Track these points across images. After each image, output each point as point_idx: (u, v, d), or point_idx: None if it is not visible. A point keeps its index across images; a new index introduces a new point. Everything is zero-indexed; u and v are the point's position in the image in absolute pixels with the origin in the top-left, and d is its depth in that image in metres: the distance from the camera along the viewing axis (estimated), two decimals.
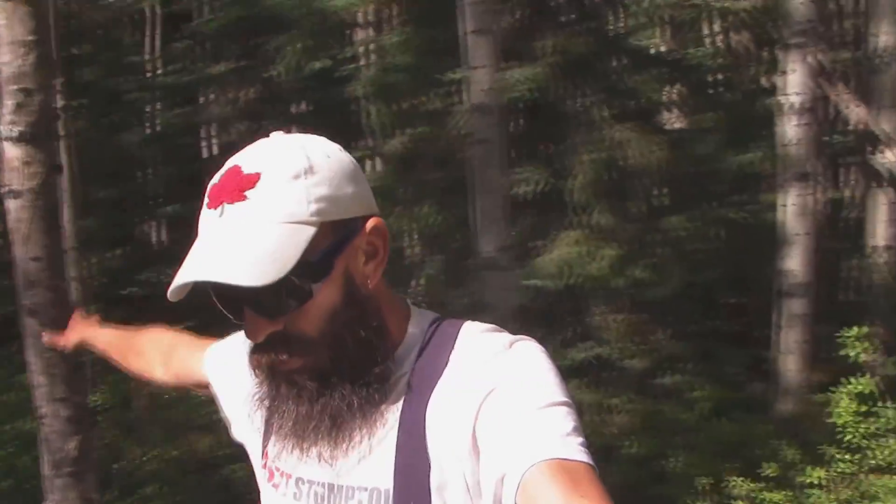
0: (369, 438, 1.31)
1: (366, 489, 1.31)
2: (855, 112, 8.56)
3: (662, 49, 11.36)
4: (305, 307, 1.28)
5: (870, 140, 8.34)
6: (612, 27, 9.99)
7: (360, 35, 15.40)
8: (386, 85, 9.67)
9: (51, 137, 3.49)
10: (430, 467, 1.26)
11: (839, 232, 10.75)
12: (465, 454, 1.23)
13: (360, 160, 9.69)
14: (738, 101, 10.90)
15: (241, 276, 1.21)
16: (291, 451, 1.36)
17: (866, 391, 5.98)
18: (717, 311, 9.72)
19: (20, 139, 3.23)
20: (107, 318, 2.44)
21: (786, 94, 6.77)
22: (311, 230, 1.27)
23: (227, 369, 1.64)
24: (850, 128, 9.55)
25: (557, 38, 8.33)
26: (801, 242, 6.87)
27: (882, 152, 8.13)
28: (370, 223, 1.35)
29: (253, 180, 1.27)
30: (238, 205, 1.26)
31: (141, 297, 11.04)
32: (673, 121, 10.85)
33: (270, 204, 1.26)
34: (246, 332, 1.29)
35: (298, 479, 1.40)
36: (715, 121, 10.44)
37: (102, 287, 11.91)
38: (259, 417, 1.47)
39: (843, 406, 6.04)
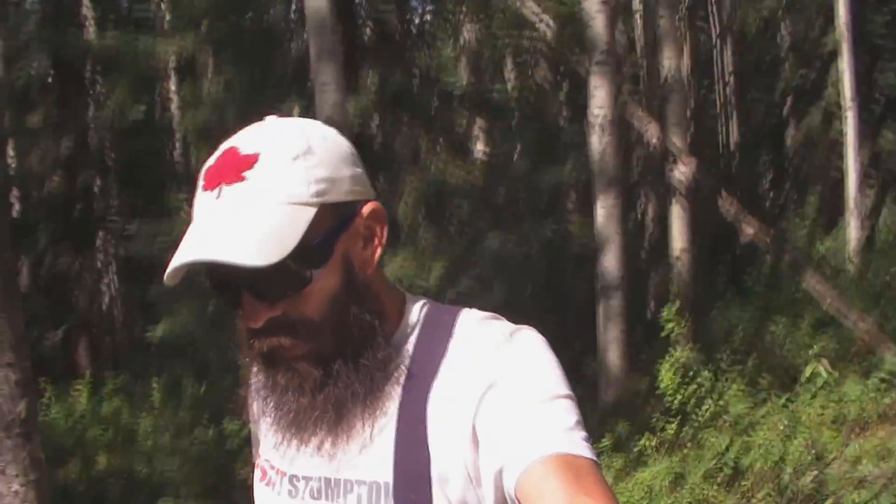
0: (370, 429, 1.26)
1: (365, 482, 1.26)
2: (650, 130, 9.49)
3: (466, 85, 12.19)
4: (306, 291, 1.24)
5: (665, 156, 9.25)
6: (423, 66, 10.70)
7: (172, 82, 15.80)
8: (207, 127, 10.01)
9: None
10: (429, 459, 1.22)
11: (651, 241, 11.62)
12: (466, 446, 1.19)
13: (176, 210, 10.04)
14: (546, 126, 11.68)
15: (243, 255, 1.18)
16: (288, 446, 1.32)
17: (683, 360, 6.76)
18: (537, 318, 10.41)
19: None
20: None
21: (592, 113, 7.53)
22: (312, 211, 1.24)
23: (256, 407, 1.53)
24: (648, 145, 10.51)
25: (375, 74, 9.02)
26: (614, 242, 7.56)
27: (675, 167, 9.04)
28: (368, 207, 1.31)
29: (251, 161, 1.25)
30: (236, 185, 1.22)
31: None
32: (484, 149, 11.67)
33: (270, 184, 1.24)
34: (244, 319, 1.24)
35: (293, 477, 1.34)
36: (523, 146, 11.28)
37: None
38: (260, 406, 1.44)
39: (666, 378, 6.78)
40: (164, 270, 1.20)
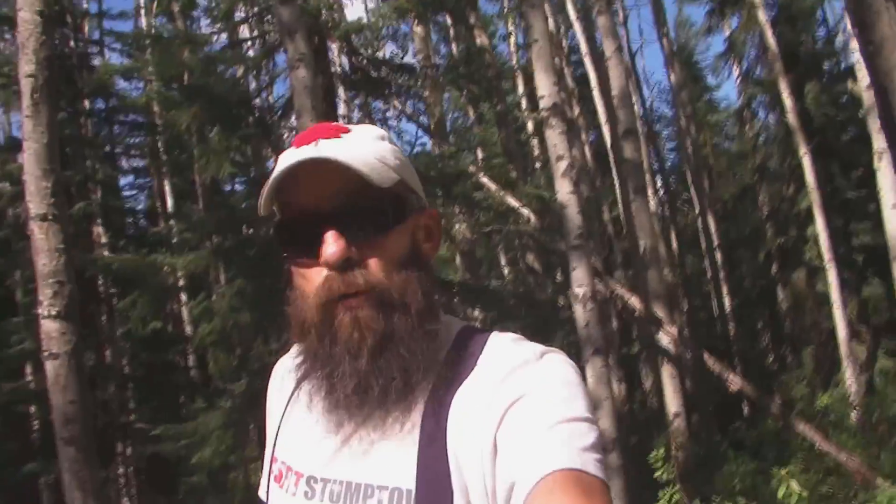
0: (399, 428, 1.29)
1: (386, 488, 1.26)
2: (633, 301, 10.11)
3: (460, 278, 12.88)
4: (382, 240, 1.32)
5: (653, 323, 9.83)
6: None
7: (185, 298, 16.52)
8: (225, 332, 10.61)
9: (76, 316, 4.52)
10: (450, 469, 1.24)
11: (646, 404, 12.04)
12: (487, 458, 1.21)
13: (192, 415, 10.50)
14: (539, 304, 12.28)
15: (362, 168, 1.27)
16: (327, 432, 1.35)
17: (675, 499, 7.26)
18: None
19: (57, 317, 4.29)
20: None
21: (574, 289, 8.13)
22: (396, 176, 1.33)
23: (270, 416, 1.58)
24: (634, 315, 11.09)
25: None
26: (606, 404, 8.04)
27: (661, 333, 9.62)
28: (432, 211, 1.44)
29: (345, 130, 1.37)
30: (333, 140, 1.33)
31: None
32: None
33: (365, 143, 1.34)
34: (324, 255, 1.27)
35: (311, 478, 1.35)
36: (519, 326, 11.87)
37: None
38: (278, 416, 1.51)
39: None
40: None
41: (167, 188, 18.78)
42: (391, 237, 1.32)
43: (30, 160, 4.51)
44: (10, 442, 11.63)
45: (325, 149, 1.28)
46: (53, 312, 4.39)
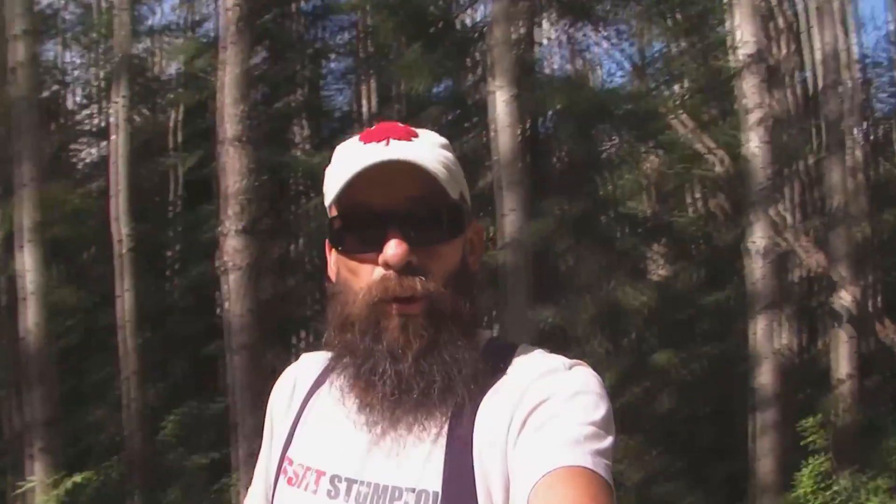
0: (432, 431, 1.30)
1: (413, 490, 1.27)
2: (815, 259, 9.98)
3: (648, 212, 12.88)
4: (441, 251, 1.33)
5: (829, 284, 9.67)
6: (604, 192, 11.46)
7: None
8: None
9: (257, 231, 4.93)
10: (475, 473, 1.25)
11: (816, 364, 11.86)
12: (509, 461, 1.23)
13: None
14: (717, 252, 12.22)
15: (441, 176, 1.29)
16: (362, 427, 1.34)
17: (822, 469, 7.25)
18: (701, 430, 10.86)
19: (241, 232, 4.74)
20: None
21: (751, 241, 8.13)
22: (459, 188, 1.37)
23: (277, 410, 1.57)
24: (812, 273, 10.93)
25: (559, 200, 9.88)
26: (770, 360, 8.07)
27: (839, 295, 9.46)
28: (477, 224, 1.47)
29: (414, 133, 1.37)
30: (404, 141, 1.33)
31: None
32: (658, 270, 12.33)
33: (433, 150, 1.35)
34: (387, 255, 1.28)
35: (335, 477, 1.36)
36: (693, 271, 11.90)
37: None
38: (289, 420, 1.50)
39: (804, 484, 7.27)
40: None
41: (371, 91, 19.24)
42: (449, 247, 1.35)
43: (228, 84, 4.90)
44: (198, 321, 12.49)
45: (402, 150, 1.30)
46: (238, 228, 4.77)
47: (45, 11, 17.04)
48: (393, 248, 1.27)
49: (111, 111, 12.18)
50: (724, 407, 10.74)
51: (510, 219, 6.55)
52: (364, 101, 19.25)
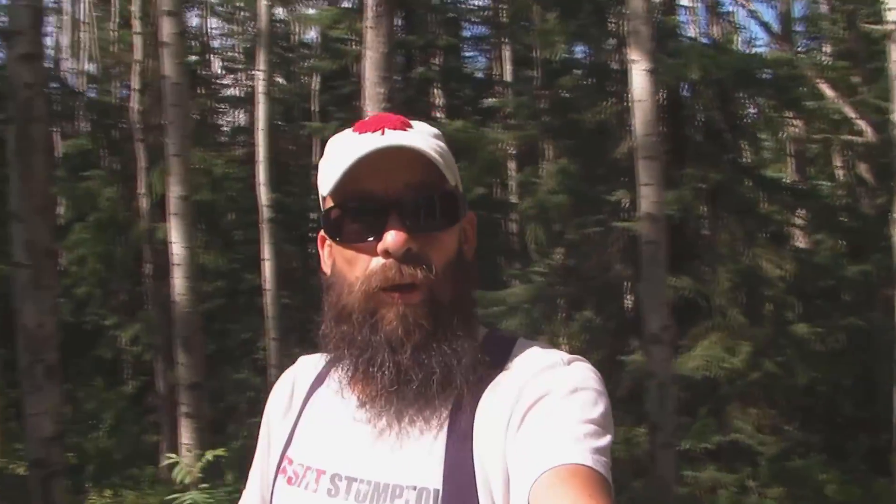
0: (432, 428, 1.30)
1: (414, 488, 1.26)
2: None
3: (789, 180, 12.65)
4: (439, 238, 1.33)
5: None
6: (745, 159, 11.29)
7: (513, 169, 17.14)
8: (545, 208, 11.07)
9: None
10: (475, 468, 1.25)
11: None
12: (509, 456, 1.23)
13: (510, 281, 11.18)
14: (860, 222, 11.91)
15: (439, 163, 1.30)
16: (365, 421, 1.34)
17: None
18: (840, 404, 10.68)
19: None
20: None
21: None
22: (456, 176, 1.37)
23: (275, 412, 1.56)
24: None
25: (698, 168, 9.78)
26: None
27: None
28: (470, 213, 1.46)
29: (408, 123, 1.37)
30: (399, 130, 1.33)
31: None
32: (799, 239, 12.09)
33: (429, 138, 1.35)
34: (387, 243, 1.28)
35: (335, 476, 1.34)
36: (835, 240, 11.62)
37: None
38: (289, 422, 1.49)
39: None
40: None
41: (507, 57, 19.25)
42: (447, 235, 1.34)
43: (368, 67, 5.00)
44: None
45: (399, 138, 1.30)
46: None
47: None
48: (394, 236, 1.27)
49: (257, 79, 12.48)
50: (866, 380, 10.54)
51: (647, 191, 6.54)
52: (499, 67, 19.34)
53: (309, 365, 1.55)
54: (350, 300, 1.32)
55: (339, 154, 1.31)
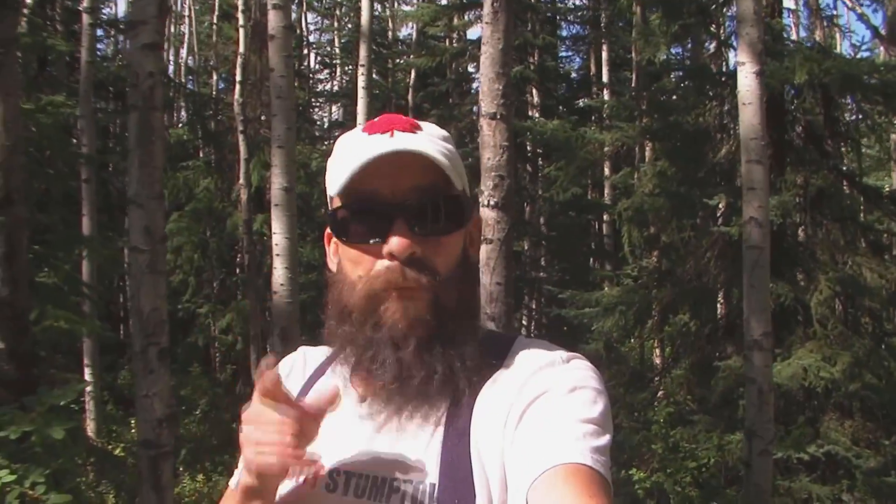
0: (430, 424, 1.31)
1: (411, 482, 1.27)
2: None
3: (891, 188, 12.38)
4: (444, 242, 1.34)
5: None
6: (847, 166, 11.08)
7: (608, 170, 17.07)
8: (642, 210, 10.99)
9: (512, 207, 5.11)
10: (472, 463, 1.25)
11: None
12: (507, 453, 1.23)
13: (601, 282, 11.18)
14: None
15: (448, 169, 1.31)
16: (367, 417, 1.35)
17: None
18: None
19: (495, 206, 4.93)
20: None
21: None
22: (463, 180, 1.38)
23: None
24: None
25: (800, 173, 9.64)
26: None
27: None
28: (477, 217, 1.47)
29: (418, 126, 1.38)
30: (408, 133, 1.33)
31: None
32: None
33: (438, 140, 1.36)
34: (392, 246, 1.28)
35: (334, 471, 1.35)
36: None
37: None
38: None
39: None
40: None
41: (604, 58, 19.20)
42: (452, 238, 1.35)
43: (485, 63, 5.03)
44: None
45: (408, 141, 1.30)
46: (493, 202, 4.93)
47: None
48: (398, 239, 1.27)
49: (358, 73, 12.62)
50: None
51: (752, 195, 6.48)
52: (603, 66, 19.28)
53: (309, 357, 1.55)
54: (352, 300, 1.33)
55: (348, 154, 1.32)
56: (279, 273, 7.72)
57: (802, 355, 8.90)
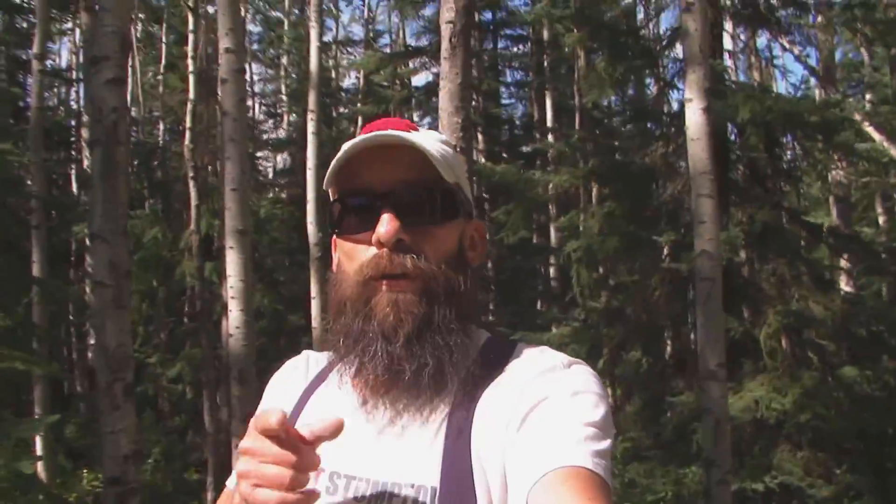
0: (428, 424, 1.32)
1: (412, 486, 1.27)
2: None
3: (831, 224, 12.65)
4: (433, 232, 1.36)
5: None
6: (788, 203, 11.33)
7: (554, 213, 17.23)
8: (592, 251, 11.12)
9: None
10: (472, 467, 1.25)
11: None
12: (508, 457, 1.24)
13: (549, 325, 11.27)
14: None
15: (433, 155, 1.33)
16: (364, 412, 1.36)
17: None
18: (890, 448, 10.56)
19: None
20: None
21: None
22: (455, 177, 1.40)
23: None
24: None
25: (745, 210, 9.84)
26: None
27: None
28: (478, 222, 1.50)
29: (414, 127, 1.42)
30: (404, 132, 1.35)
31: None
32: (846, 283, 12.09)
33: (432, 140, 1.39)
34: (378, 233, 1.31)
35: (334, 474, 1.35)
36: (882, 283, 11.60)
37: None
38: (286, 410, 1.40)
39: None
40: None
41: (548, 103, 19.47)
42: (443, 230, 1.36)
43: (444, 98, 5.14)
44: None
45: (401, 135, 1.33)
46: None
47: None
48: (385, 225, 1.29)
49: (308, 119, 12.69)
50: None
51: (703, 228, 6.62)
52: (547, 111, 19.52)
53: (312, 361, 1.57)
54: (346, 291, 1.35)
55: (343, 151, 1.35)
56: (234, 315, 7.69)
57: (753, 388, 9.05)
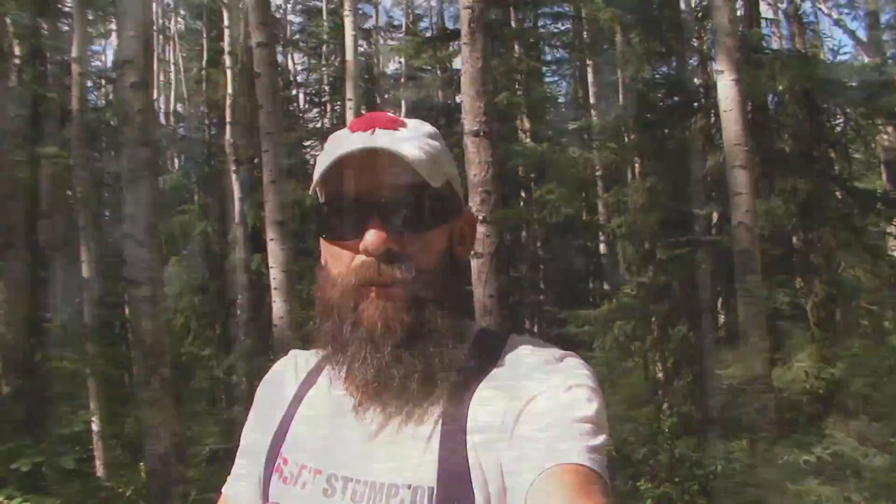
0: (422, 424, 1.31)
1: (409, 487, 1.26)
2: None
3: (881, 189, 12.46)
4: (422, 238, 1.35)
5: None
6: (835, 170, 11.18)
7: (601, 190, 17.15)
8: (636, 226, 11.07)
9: (499, 221, 5.21)
10: (469, 465, 1.25)
11: None
12: (504, 454, 1.24)
13: (599, 301, 11.22)
14: None
15: (419, 164, 1.32)
16: (356, 414, 1.36)
17: None
18: None
19: (483, 221, 5.03)
20: None
21: None
22: (445, 177, 1.39)
23: (262, 411, 1.55)
24: None
25: (789, 180, 9.72)
26: None
27: None
28: (469, 214, 1.49)
29: (401, 123, 1.39)
30: (390, 130, 1.35)
31: None
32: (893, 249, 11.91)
33: (420, 140, 1.37)
34: (366, 243, 1.30)
35: (331, 476, 1.34)
36: None
37: None
38: (278, 415, 1.47)
39: None
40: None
41: (589, 79, 19.35)
42: (432, 235, 1.36)
43: (465, 82, 5.17)
44: None
45: (385, 139, 1.32)
46: (480, 218, 5.05)
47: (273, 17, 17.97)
48: (373, 236, 1.28)
49: (348, 108, 12.75)
50: None
51: (739, 200, 6.58)
52: (583, 89, 19.43)
53: (301, 361, 1.55)
54: (333, 295, 1.34)
55: (328, 152, 1.34)
56: (278, 306, 7.80)
57: (802, 359, 8.96)
